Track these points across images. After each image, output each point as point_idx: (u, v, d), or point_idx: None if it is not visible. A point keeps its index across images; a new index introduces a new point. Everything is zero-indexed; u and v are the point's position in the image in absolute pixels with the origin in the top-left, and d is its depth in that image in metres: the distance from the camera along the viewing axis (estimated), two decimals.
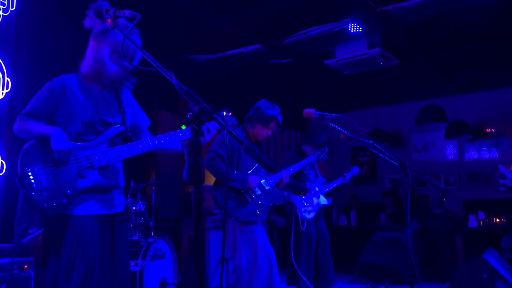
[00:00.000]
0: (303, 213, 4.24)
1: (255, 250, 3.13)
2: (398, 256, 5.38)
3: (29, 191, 1.93)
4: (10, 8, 4.26)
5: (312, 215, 4.32)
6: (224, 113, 2.81)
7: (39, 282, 3.34)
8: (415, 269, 2.52)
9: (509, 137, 7.29)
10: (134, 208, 4.30)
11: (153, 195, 4.75)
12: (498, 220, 6.38)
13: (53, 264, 1.99)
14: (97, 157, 2.07)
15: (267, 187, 3.33)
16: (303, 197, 4.24)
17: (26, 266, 3.28)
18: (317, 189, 4.44)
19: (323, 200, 4.46)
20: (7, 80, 4.15)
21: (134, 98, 2.43)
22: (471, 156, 7.65)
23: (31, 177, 1.95)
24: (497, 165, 7.35)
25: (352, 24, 4.80)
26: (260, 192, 3.27)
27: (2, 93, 4.13)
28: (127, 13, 1.60)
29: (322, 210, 4.63)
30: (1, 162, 4.01)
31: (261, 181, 3.32)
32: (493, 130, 7.45)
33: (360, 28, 4.83)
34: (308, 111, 3.02)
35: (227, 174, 3.19)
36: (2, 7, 4.24)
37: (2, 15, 4.24)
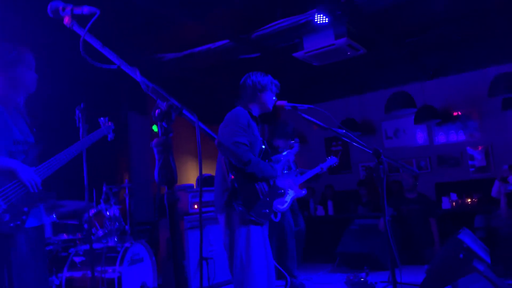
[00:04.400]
0: (277, 205, 4.20)
1: (253, 254, 2.85)
2: (376, 242, 5.45)
3: None
4: None
5: (286, 206, 4.30)
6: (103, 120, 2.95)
7: None
8: (394, 254, 2.54)
9: (475, 119, 7.49)
10: (108, 213, 4.19)
11: (127, 199, 4.65)
12: (469, 200, 6.55)
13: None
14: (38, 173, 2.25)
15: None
16: None
17: None
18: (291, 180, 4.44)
19: (297, 191, 4.47)
20: None
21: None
22: (440, 140, 7.83)
23: None
24: (465, 147, 7.54)
25: (318, 15, 4.81)
26: (267, 188, 2.99)
27: None
28: (86, 9, 1.52)
29: (296, 203, 4.64)
30: None
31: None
32: (459, 113, 7.63)
33: (327, 19, 4.85)
34: (281, 103, 3.00)
35: (200, 173, 3.07)
36: None
37: None
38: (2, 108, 2.26)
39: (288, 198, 4.38)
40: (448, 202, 6.51)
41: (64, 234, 4.14)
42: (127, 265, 3.89)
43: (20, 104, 2.37)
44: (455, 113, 7.64)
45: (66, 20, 1.54)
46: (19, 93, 2.33)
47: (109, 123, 2.91)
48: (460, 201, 6.59)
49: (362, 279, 4.34)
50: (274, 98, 3.15)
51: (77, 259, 4.03)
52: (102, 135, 2.79)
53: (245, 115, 2.99)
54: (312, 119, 2.89)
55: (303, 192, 4.51)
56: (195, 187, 5.59)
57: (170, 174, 1.20)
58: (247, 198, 2.85)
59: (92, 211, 4.18)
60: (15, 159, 2.20)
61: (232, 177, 2.85)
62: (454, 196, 6.63)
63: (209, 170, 6.27)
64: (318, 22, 4.87)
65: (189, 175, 7.59)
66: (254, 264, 2.82)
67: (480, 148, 7.39)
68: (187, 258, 4.79)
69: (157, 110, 1.23)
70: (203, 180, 5.52)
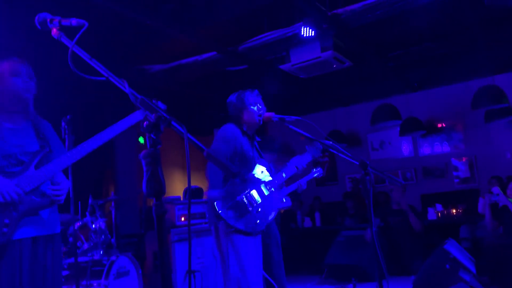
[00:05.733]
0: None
1: (245, 264, 2.86)
2: (364, 254, 5.47)
3: None
4: None
5: (271, 216, 4.29)
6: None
7: None
8: (382, 265, 2.55)
9: (458, 131, 7.61)
10: (93, 226, 4.14)
11: (113, 211, 4.60)
12: (454, 211, 6.63)
13: None
14: (24, 182, 2.13)
15: (266, 192, 3.08)
16: None
17: None
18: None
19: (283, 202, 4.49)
20: None
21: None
22: (425, 151, 7.93)
23: None
24: (449, 158, 7.65)
25: (305, 28, 4.87)
26: (260, 199, 3.01)
27: None
28: (74, 21, 1.52)
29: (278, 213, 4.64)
30: None
31: (261, 186, 3.07)
32: (444, 125, 7.75)
33: (313, 32, 4.90)
34: (268, 115, 3.02)
35: (189, 185, 3.03)
36: None
37: None
38: None
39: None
40: (434, 213, 6.58)
41: None
42: (113, 279, 3.83)
43: (27, 111, 2.33)
44: (439, 125, 7.76)
45: (54, 31, 1.54)
46: (12, 103, 2.29)
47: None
48: (445, 212, 6.67)
49: None
50: (258, 107, 3.17)
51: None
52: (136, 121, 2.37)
53: (231, 129, 3.08)
54: (299, 130, 2.90)
55: (288, 202, 4.51)
56: (181, 199, 5.55)
57: (158, 186, 1.20)
58: (235, 209, 2.88)
59: (78, 224, 4.13)
60: None
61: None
62: (439, 207, 6.70)
63: (197, 182, 6.25)
64: (305, 35, 4.92)
65: (175, 187, 7.53)
66: (249, 276, 2.82)
67: (464, 159, 7.50)
68: (173, 271, 4.74)
69: (145, 122, 1.23)
70: (191, 192, 5.48)
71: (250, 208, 2.92)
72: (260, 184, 3.09)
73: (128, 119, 2.25)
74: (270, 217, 4.12)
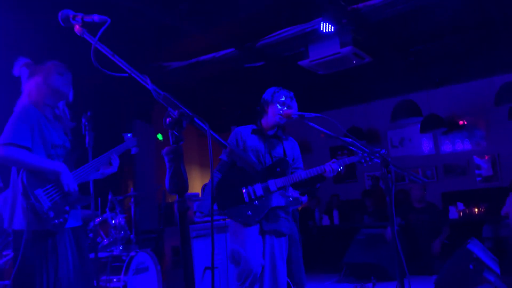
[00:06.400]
0: None
1: (243, 251, 2.92)
2: (384, 252, 5.40)
3: (40, 212, 2.18)
4: None
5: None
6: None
7: None
8: (403, 264, 2.50)
9: (481, 128, 7.45)
10: (113, 221, 4.17)
11: (132, 207, 4.63)
12: (477, 209, 6.49)
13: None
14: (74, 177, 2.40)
15: (272, 188, 3.01)
16: None
17: None
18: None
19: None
20: None
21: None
22: (446, 149, 7.78)
23: (40, 199, 2.21)
24: (471, 156, 7.50)
25: (324, 24, 4.81)
26: (262, 193, 2.99)
27: None
28: (96, 17, 1.52)
29: (296, 211, 4.56)
30: None
31: (268, 181, 3.02)
32: (465, 122, 7.60)
33: (332, 28, 4.84)
34: (288, 112, 3.00)
35: (212, 181, 3.06)
36: None
37: None
38: (40, 113, 2.38)
39: None
40: (455, 212, 6.45)
41: None
42: (132, 274, 3.86)
43: (59, 110, 2.53)
44: (461, 122, 7.61)
45: (77, 28, 1.54)
46: (55, 99, 2.46)
47: (133, 138, 3.07)
48: (467, 211, 6.53)
49: None
50: (283, 108, 3.16)
51: None
52: (125, 149, 2.93)
53: (235, 134, 3.20)
54: (319, 127, 2.87)
55: (304, 199, 4.43)
56: (199, 195, 5.56)
57: (181, 182, 1.19)
58: (230, 196, 3.00)
59: (98, 220, 4.17)
60: (61, 163, 2.35)
61: None
62: (461, 205, 6.57)
63: None
64: (324, 30, 4.86)
65: (192, 183, 7.56)
66: (245, 253, 2.89)
67: (486, 157, 7.34)
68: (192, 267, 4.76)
69: (168, 118, 1.22)
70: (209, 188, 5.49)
71: (248, 200, 2.96)
72: (269, 179, 3.02)
73: (119, 148, 2.78)
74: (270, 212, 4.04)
